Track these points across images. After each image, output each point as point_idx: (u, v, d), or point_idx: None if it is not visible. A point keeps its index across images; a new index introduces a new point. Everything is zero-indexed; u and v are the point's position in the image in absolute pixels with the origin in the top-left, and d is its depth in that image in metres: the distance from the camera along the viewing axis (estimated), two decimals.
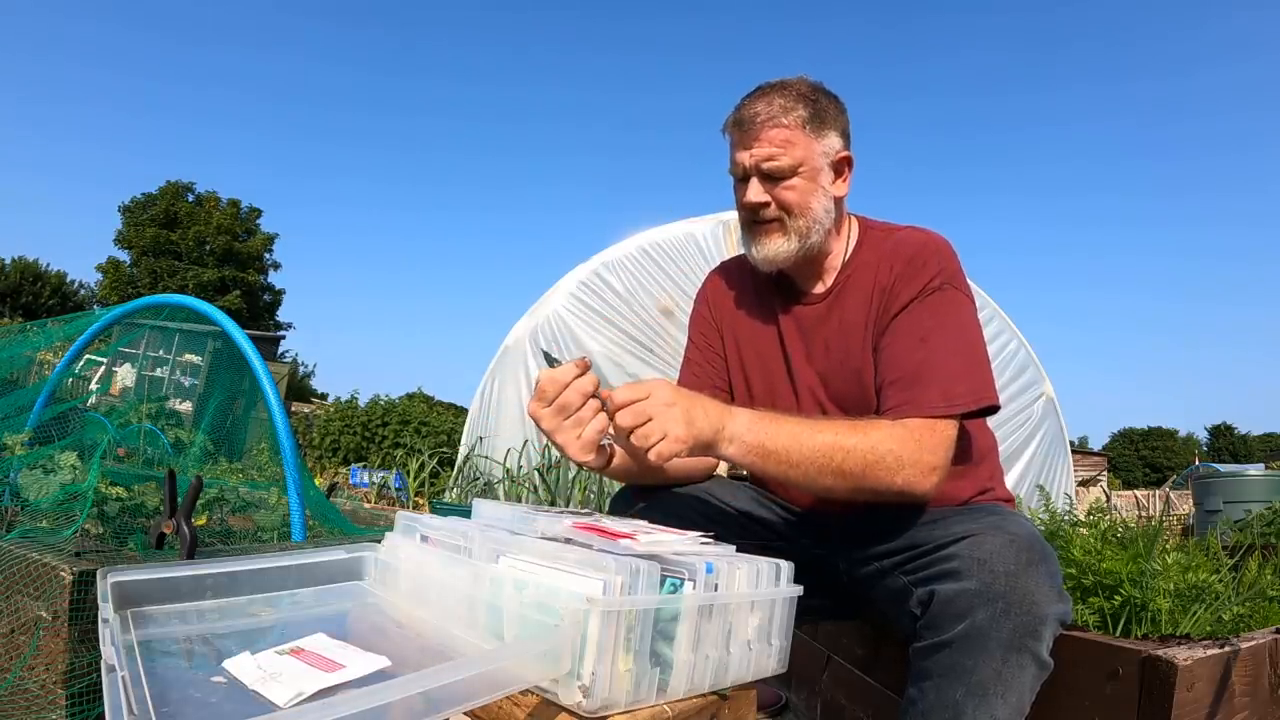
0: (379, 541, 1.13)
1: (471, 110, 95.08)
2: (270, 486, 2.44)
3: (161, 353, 7.09)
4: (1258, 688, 1.30)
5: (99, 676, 1.25)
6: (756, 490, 1.48)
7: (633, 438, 1.04)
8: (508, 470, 5.63)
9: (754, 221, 1.34)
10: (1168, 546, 1.62)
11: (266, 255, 39.90)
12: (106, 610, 0.87)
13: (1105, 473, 23.56)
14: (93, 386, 4.82)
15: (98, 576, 0.94)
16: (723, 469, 1.48)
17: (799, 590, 1.03)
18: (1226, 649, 1.22)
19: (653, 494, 1.37)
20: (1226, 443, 64.26)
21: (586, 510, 1.26)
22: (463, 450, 6.39)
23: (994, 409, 1.22)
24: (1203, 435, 66.63)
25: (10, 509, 2.03)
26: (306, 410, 13.46)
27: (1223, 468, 15.45)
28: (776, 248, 1.32)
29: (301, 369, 37.51)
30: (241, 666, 0.80)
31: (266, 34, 74.57)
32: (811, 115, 1.29)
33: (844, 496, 1.15)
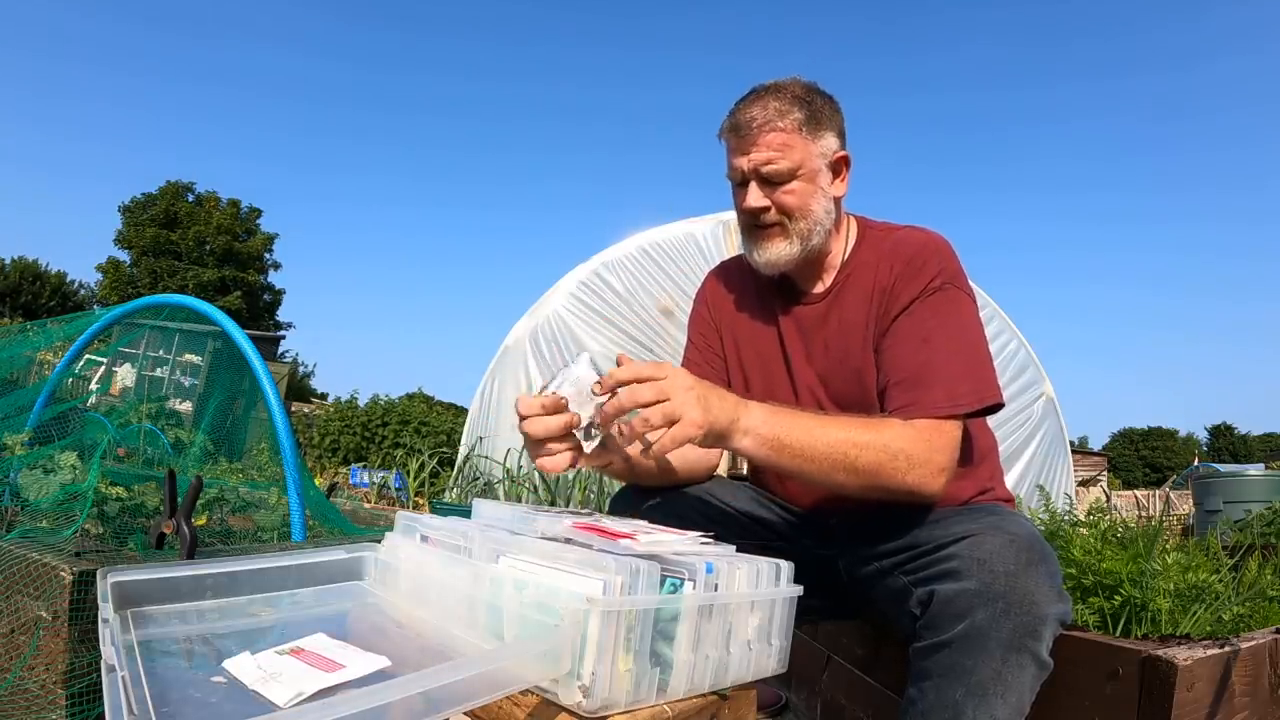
0: (379, 541, 1.13)
1: (471, 108, 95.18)
2: (270, 486, 2.44)
3: (161, 353, 7.09)
4: (1258, 688, 1.30)
5: (99, 676, 1.25)
6: (756, 490, 1.48)
7: (648, 414, 1.00)
8: (508, 470, 5.63)
9: (755, 226, 1.34)
10: (1168, 546, 1.62)
11: (266, 255, 39.92)
12: (106, 610, 0.87)
13: (1105, 473, 23.56)
14: (93, 386, 4.82)
15: (98, 576, 0.94)
16: (722, 468, 1.48)
17: (799, 590, 1.03)
18: (1226, 649, 1.22)
19: (653, 494, 1.37)
20: (1226, 443, 64.27)
21: (586, 510, 1.26)
22: (463, 450, 6.40)
23: (998, 407, 1.22)
24: (1203, 435, 66.70)
25: (10, 509, 2.03)
26: (306, 410, 13.46)
27: (1223, 468, 15.45)
28: (778, 251, 1.32)
29: (301, 369, 37.54)
30: (241, 666, 0.80)
31: (267, 33, 74.66)
32: (808, 117, 1.29)
33: (855, 494, 1.15)
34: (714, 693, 0.93)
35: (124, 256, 37.73)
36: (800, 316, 1.40)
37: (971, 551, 1.04)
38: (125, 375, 5.88)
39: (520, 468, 5.67)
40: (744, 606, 0.96)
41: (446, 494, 5.98)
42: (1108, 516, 1.73)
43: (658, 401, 1.00)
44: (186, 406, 5.53)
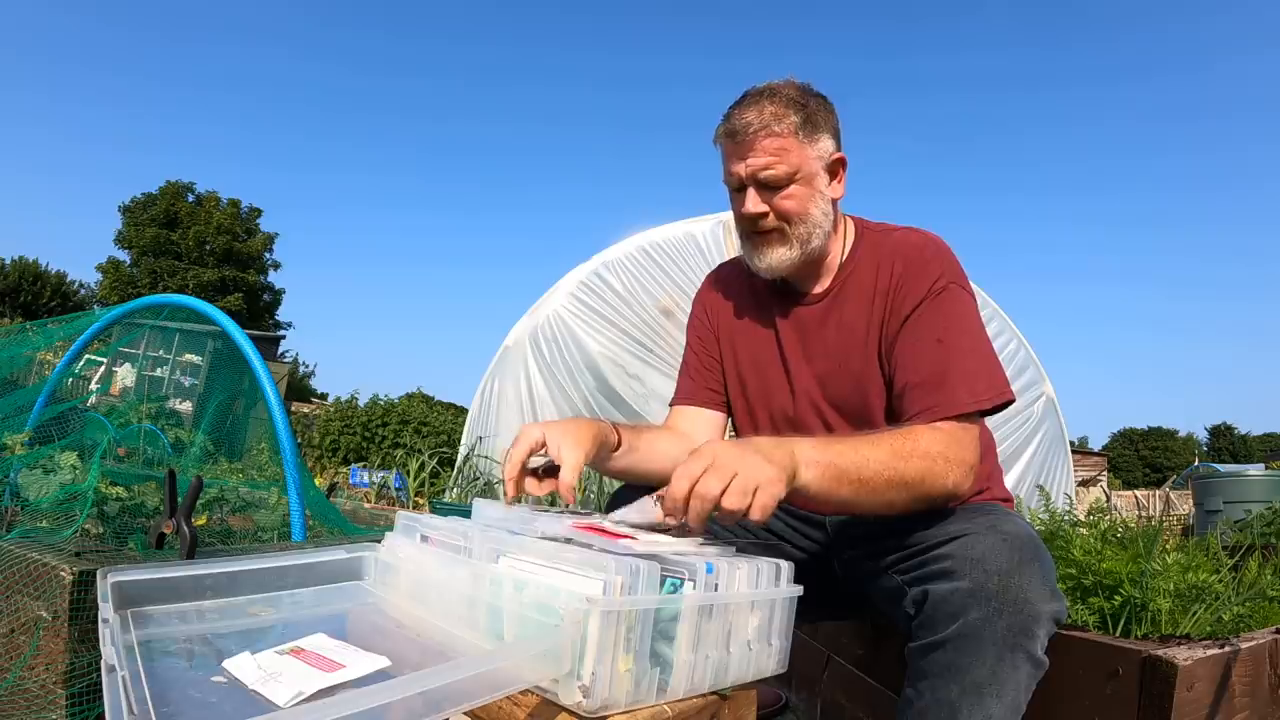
0: (379, 541, 1.13)
1: (472, 109, 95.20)
2: (270, 486, 2.45)
3: (161, 353, 7.10)
4: (1258, 688, 1.30)
5: (99, 676, 1.25)
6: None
7: (726, 503, 0.93)
8: None
9: (753, 232, 1.33)
10: (1168, 546, 1.62)
11: (266, 255, 39.90)
12: (106, 610, 0.87)
13: (1105, 473, 23.55)
14: (93, 386, 4.82)
15: (98, 576, 0.94)
16: None
17: (799, 590, 1.03)
18: (1226, 649, 1.22)
19: (651, 494, 1.37)
20: (1226, 443, 64.25)
21: (586, 510, 1.26)
22: (463, 450, 6.40)
23: (1011, 402, 1.22)
24: (1203, 435, 66.70)
25: (10, 509, 2.03)
26: (306, 410, 13.46)
27: (1223, 468, 15.44)
28: (779, 257, 1.32)
29: (302, 368, 37.54)
30: (241, 666, 0.80)
31: (267, 33, 74.63)
32: (804, 120, 1.28)
33: (902, 509, 1.12)
34: (714, 693, 0.93)
35: (124, 256, 37.72)
36: (799, 318, 1.40)
37: (965, 551, 1.04)
38: (125, 375, 5.88)
39: None
40: (744, 606, 0.96)
41: (446, 494, 5.98)
42: (1108, 516, 1.73)
43: (726, 486, 0.94)
44: (186, 406, 5.53)
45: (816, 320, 1.37)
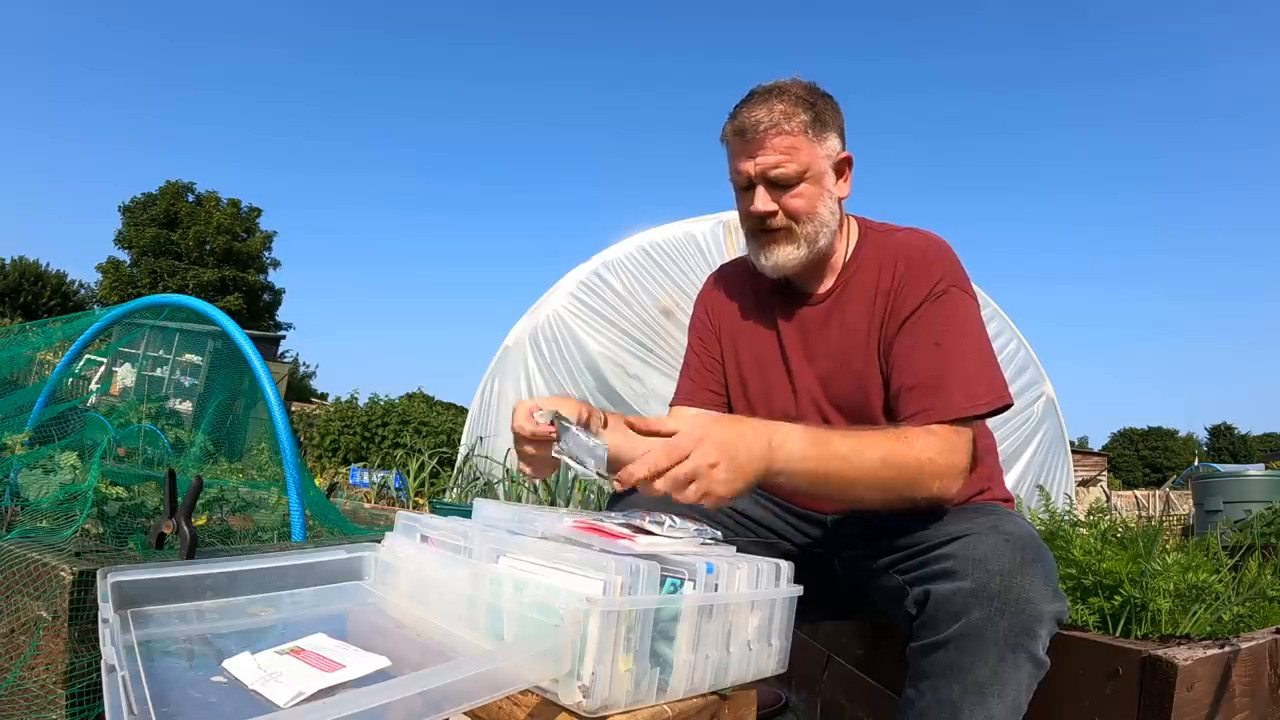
0: (379, 541, 1.13)
1: (471, 109, 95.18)
2: (270, 486, 2.45)
3: (161, 353, 7.10)
4: (1258, 688, 1.30)
5: (99, 676, 1.25)
6: (755, 489, 1.47)
7: (679, 497, 0.96)
8: (508, 470, 5.62)
9: (761, 230, 1.33)
10: (1168, 546, 1.62)
11: (266, 254, 39.88)
12: (106, 610, 0.87)
13: (1105, 473, 23.56)
14: (93, 386, 4.82)
15: (98, 576, 0.94)
16: None
17: (799, 590, 1.03)
18: (1226, 649, 1.22)
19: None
20: (1226, 443, 64.24)
21: (586, 510, 1.26)
22: (463, 450, 6.39)
23: (1009, 406, 1.22)
24: (1203, 435, 66.67)
25: (10, 509, 2.03)
26: (306, 410, 13.46)
27: (1223, 468, 15.44)
28: (786, 255, 1.31)
29: (303, 369, 37.53)
30: (241, 666, 0.80)
31: (267, 33, 74.61)
32: (813, 119, 1.28)
33: (878, 507, 1.14)
34: (714, 693, 0.93)
35: (124, 256, 37.70)
36: (801, 318, 1.39)
37: (967, 551, 1.04)
38: (125, 375, 5.88)
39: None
40: (744, 606, 0.96)
41: (446, 494, 5.98)
42: (1108, 516, 1.73)
43: (683, 487, 0.95)
44: (186, 406, 5.53)
45: (819, 321, 1.37)
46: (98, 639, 1.09)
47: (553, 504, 5.03)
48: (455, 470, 6.18)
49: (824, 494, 1.09)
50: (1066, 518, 1.76)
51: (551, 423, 1.08)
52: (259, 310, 39.54)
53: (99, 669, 1.24)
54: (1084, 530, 1.66)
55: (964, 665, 1.01)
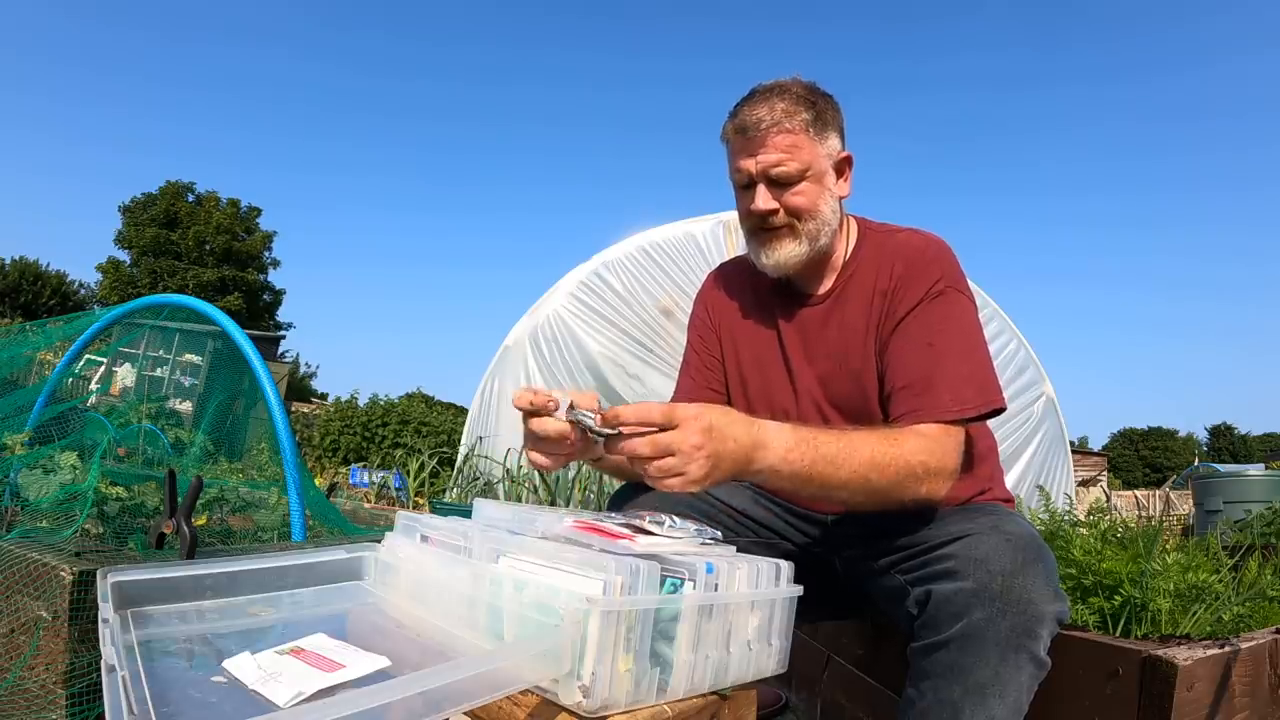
0: (379, 541, 1.13)
1: (472, 110, 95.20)
2: (270, 486, 2.45)
3: (161, 353, 7.10)
4: (1258, 688, 1.30)
5: (99, 676, 1.25)
6: (755, 489, 1.48)
7: (649, 469, 0.96)
8: (508, 470, 5.62)
9: (762, 229, 1.33)
10: (1168, 546, 1.62)
11: (266, 253, 39.86)
12: (106, 610, 0.87)
13: (1105, 473, 23.56)
14: (93, 386, 4.82)
15: (98, 576, 0.94)
16: None
17: (799, 590, 1.03)
18: (1226, 649, 1.22)
19: (651, 491, 1.37)
20: (1226, 443, 64.23)
21: (587, 510, 1.26)
22: (463, 450, 6.39)
23: (1001, 411, 1.22)
24: (1203, 435, 66.66)
25: (10, 509, 2.03)
26: (306, 410, 13.46)
27: (1223, 468, 15.43)
28: (787, 253, 1.31)
29: (304, 369, 37.53)
30: (241, 666, 0.80)
31: (267, 33, 74.60)
32: (814, 118, 1.28)
33: (864, 509, 1.13)
34: (714, 693, 0.93)
35: (124, 256, 37.70)
36: (801, 318, 1.39)
37: (968, 551, 1.04)
38: (125, 375, 5.88)
39: (520, 468, 5.66)
40: (744, 606, 0.96)
41: (446, 494, 5.98)
42: (1108, 516, 1.72)
43: (655, 459, 0.95)
44: (186, 406, 5.53)
45: (819, 320, 1.37)
46: (98, 639, 1.09)
47: (553, 504, 5.03)
48: (455, 470, 6.18)
49: (811, 494, 1.09)
50: (1066, 518, 1.76)
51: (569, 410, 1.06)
52: (259, 310, 39.54)
53: (99, 669, 1.24)
54: (1084, 530, 1.66)
55: (965, 665, 1.01)
